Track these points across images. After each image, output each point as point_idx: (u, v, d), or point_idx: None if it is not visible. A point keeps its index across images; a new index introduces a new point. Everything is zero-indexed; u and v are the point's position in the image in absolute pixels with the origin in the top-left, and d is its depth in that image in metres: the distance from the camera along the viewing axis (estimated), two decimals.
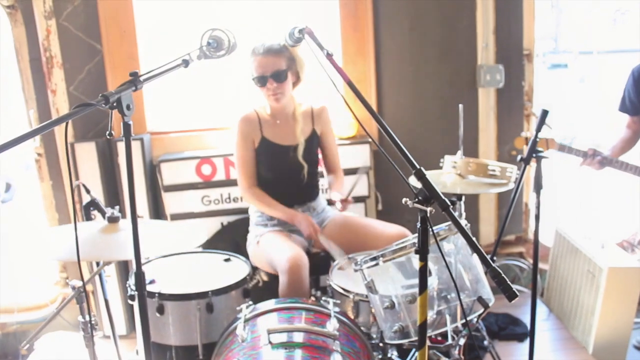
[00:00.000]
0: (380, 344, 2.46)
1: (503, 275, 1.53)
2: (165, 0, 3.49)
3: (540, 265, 3.89)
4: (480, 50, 3.56)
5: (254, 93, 2.86)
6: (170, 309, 2.45)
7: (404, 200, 1.66)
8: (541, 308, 3.64)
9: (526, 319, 3.46)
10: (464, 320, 2.10)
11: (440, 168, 2.81)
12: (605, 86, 10.49)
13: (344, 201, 2.80)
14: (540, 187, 2.41)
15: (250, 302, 2.35)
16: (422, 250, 1.72)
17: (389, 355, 2.51)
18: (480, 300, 2.10)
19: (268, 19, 3.51)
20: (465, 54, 3.58)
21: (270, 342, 2.03)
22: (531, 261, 3.90)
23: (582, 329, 3.28)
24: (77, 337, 3.29)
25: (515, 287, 1.49)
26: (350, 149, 3.44)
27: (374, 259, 2.10)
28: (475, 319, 2.63)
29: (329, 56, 1.98)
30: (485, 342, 2.99)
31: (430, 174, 2.73)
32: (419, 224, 1.70)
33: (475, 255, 2.18)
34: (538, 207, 2.43)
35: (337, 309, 2.30)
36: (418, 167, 1.68)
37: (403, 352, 2.70)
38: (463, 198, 2.69)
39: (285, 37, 2.18)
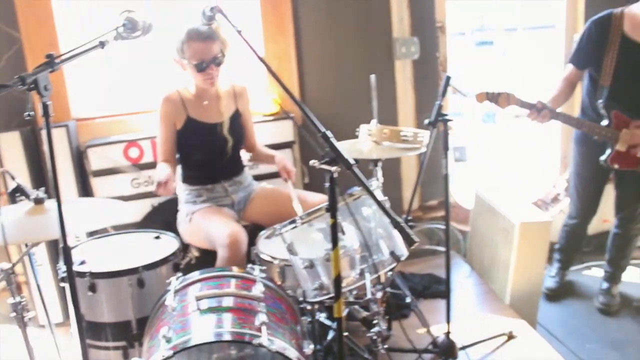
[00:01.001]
0: (308, 307, 2.58)
1: (403, 224, 1.68)
2: None
3: (462, 227, 4.12)
4: (395, 23, 3.70)
5: (177, 74, 2.92)
6: (102, 286, 2.51)
7: (311, 162, 1.79)
8: (464, 266, 3.85)
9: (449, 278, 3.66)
10: (376, 275, 2.24)
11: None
12: (522, 58, 10.92)
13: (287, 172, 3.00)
14: (447, 148, 2.57)
15: (180, 275, 2.44)
16: (332, 208, 1.85)
17: (316, 317, 2.64)
18: (393, 254, 2.25)
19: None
20: (382, 27, 3.71)
21: (198, 308, 2.13)
22: (453, 224, 4.11)
23: (499, 282, 3.50)
24: (12, 329, 3.30)
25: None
26: (273, 125, 3.55)
27: (292, 222, 2.23)
28: (390, 273, 2.77)
29: (239, 33, 2.07)
30: (408, 299, 3.16)
31: (348, 143, 2.90)
32: (326, 184, 1.83)
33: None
34: (446, 167, 2.59)
35: (263, 275, 2.42)
36: (322, 130, 1.80)
37: (332, 315, 2.86)
38: (380, 163, 2.83)
39: (199, 16, 2.26)
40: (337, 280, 1.93)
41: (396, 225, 1.67)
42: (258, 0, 3.60)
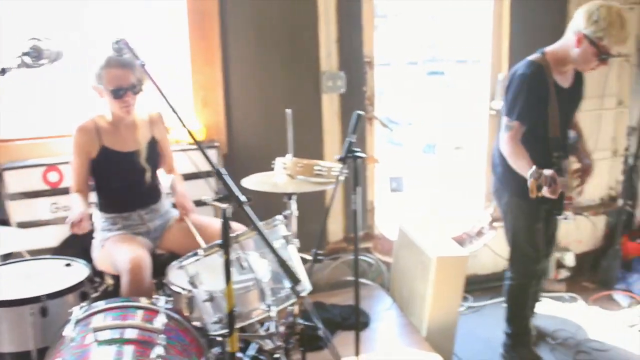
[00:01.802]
0: (219, 338, 2.58)
1: (287, 263, 1.70)
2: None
3: (387, 259, 4.17)
4: (323, 58, 3.77)
5: (95, 101, 2.91)
6: (3, 315, 2.46)
7: (203, 197, 1.80)
8: (386, 299, 3.89)
9: (369, 310, 3.70)
10: (278, 309, 2.26)
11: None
12: (467, 91, 11.14)
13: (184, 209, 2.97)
14: (357, 184, 2.61)
15: (84, 304, 2.41)
16: (224, 244, 1.86)
17: (227, 349, 2.63)
18: (293, 289, 2.27)
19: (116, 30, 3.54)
20: (310, 61, 3.77)
21: (96, 340, 2.11)
22: (378, 256, 4.17)
23: (417, 315, 3.56)
24: None
25: (362, 280, 1.64)
26: (198, 153, 3.52)
27: (194, 254, 2.23)
28: (291, 307, 2.77)
29: (143, 66, 2.08)
30: (320, 332, 3.18)
31: (264, 175, 2.93)
32: (222, 220, 1.85)
33: (291, 247, 2.36)
34: (356, 203, 2.63)
35: (168, 306, 2.41)
36: (217, 168, 1.82)
37: (244, 344, 2.87)
38: (294, 197, 2.86)
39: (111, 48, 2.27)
40: (231, 315, 1.94)
41: (281, 263, 1.69)
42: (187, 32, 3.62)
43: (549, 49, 3.15)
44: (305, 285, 2.36)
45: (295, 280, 1.70)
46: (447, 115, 9.82)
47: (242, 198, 1.76)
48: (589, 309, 4.23)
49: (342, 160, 2.59)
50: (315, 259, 2.61)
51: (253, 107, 3.73)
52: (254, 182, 2.90)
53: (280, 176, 2.85)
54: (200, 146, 1.89)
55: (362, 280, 4.08)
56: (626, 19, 2.94)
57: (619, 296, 4.32)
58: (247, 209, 1.76)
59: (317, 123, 3.83)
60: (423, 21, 11.94)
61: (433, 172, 8.08)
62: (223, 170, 1.81)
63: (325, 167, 2.78)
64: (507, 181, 3.26)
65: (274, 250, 1.72)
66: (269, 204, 3.05)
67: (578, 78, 3.28)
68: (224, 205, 1.78)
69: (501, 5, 4.13)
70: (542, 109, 3.10)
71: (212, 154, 3.58)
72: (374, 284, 4.09)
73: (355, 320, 3.48)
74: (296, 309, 2.85)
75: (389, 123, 10.20)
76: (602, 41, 2.93)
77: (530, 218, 3.31)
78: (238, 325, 2.26)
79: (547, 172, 2.76)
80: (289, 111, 2.84)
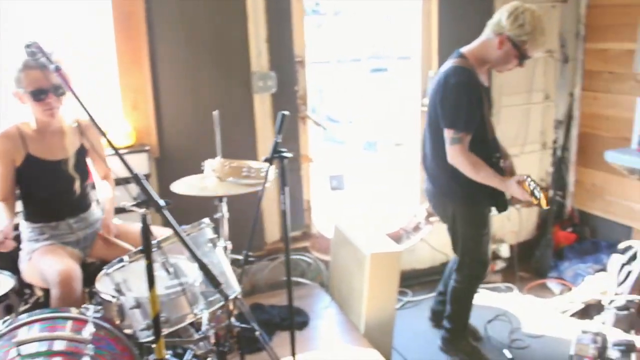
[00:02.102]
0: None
1: (208, 267, 1.69)
2: None
3: (325, 257, 4.19)
4: (254, 58, 3.75)
5: (18, 108, 2.81)
6: None
7: (122, 203, 1.77)
8: (324, 297, 3.90)
9: (308, 309, 3.71)
10: (208, 312, 2.24)
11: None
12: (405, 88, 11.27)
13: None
14: (285, 184, 2.61)
15: (7, 318, 2.34)
16: (146, 250, 1.84)
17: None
18: (221, 292, 2.25)
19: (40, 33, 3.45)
20: (240, 61, 3.74)
21: (20, 354, 2.05)
22: (317, 254, 4.18)
23: (355, 312, 3.58)
24: None
25: (300, 280, 1.64)
26: (128, 158, 3.45)
27: (120, 261, 2.20)
28: (227, 310, 2.76)
29: (58, 70, 2.03)
30: (257, 333, 3.16)
31: (194, 178, 2.90)
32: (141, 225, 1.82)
33: (219, 250, 2.35)
34: (284, 203, 2.63)
35: (97, 315, 2.36)
36: (134, 172, 1.79)
37: (178, 352, 2.83)
38: (225, 199, 2.84)
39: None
40: (156, 321, 1.92)
41: (201, 267, 1.68)
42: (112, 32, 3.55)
43: (466, 50, 3.15)
44: (235, 288, 2.34)
45: (216, 284, 1.69)
46: (387, 112, 9.92)
47: (161, 202, 1.73)
48: (524, 298, 4.34)
49: (268, 160, 2.59)
50: (246, 260, 2.59)
51: (184, 109, 3.68)
52: (184, 185, 2.87)
53: (209, 179, 2.82)
54: (117, 151, 1.85)
55: (300, 279, 4.10)
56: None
57: (552, 284, 4.45)
58: (167, 213, 1.74)
59: (250, 123, 3.81)
60: (365, 18, 12.01)
61: (374, 169, 8.15)
62: (141, 175, 1.78)
63: (254, 168, 2.78)
64: (452, 191, 3.24)
65: (193, 254, 1.71)
66: (203, 207, 3.03)
67: (490, 76, 3.33)
68: (142, 211, 1.75)
69: (429, 3, 4.19)
70: (480, 113, 3.11)
71: (143, 157, 3.52)
72: (313, 283, 4.10)
73: (295, 320, 3.51)
74: (233, 311, 2.84)
75: (330, 121, 10.25)
76: (525, 45, 2.99)
77: (479, 225, 3.33)
78: (166, 331, 2.23)
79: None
80: (215, 113, 2.82)
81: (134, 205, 1.75)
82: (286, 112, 2.55)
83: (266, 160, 2.59)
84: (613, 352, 3.38)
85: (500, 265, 4.72)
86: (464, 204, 3.26)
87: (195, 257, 1.70)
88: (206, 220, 2.49)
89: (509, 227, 4.74)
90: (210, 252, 2.34)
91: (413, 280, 4.45)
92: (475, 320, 3.81)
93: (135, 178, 1.78)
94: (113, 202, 3.05)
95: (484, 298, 4.26)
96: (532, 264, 4.73)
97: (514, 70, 3.21)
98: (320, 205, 4.93)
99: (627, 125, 4.20)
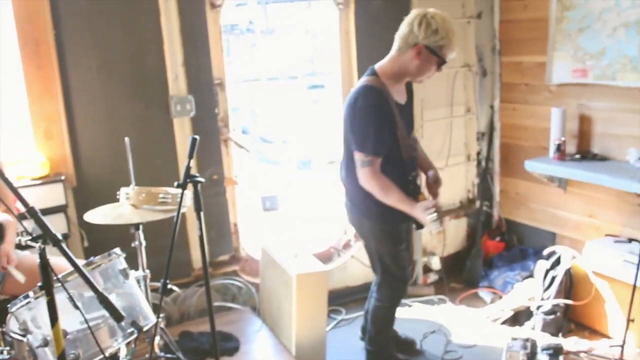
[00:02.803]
0: None
1: (109, 300, 1.62)
2: None
3: (255, 280, 4.13)
4: (171, 81, 3.69)
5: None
6: None
7: (17, 239, 1.69)
8: (255, 320, 3.84)
9: (239, 333, 3.64)
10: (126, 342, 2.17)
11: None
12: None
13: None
14: (199, 209, 2.56)
15: None
16: (45, 285, 1.76)
17: None
18: (134, 324, 2.18)
19: None
20: (157, 86, 3.68)
21: None
22: (247, 278, 4.12)
23: (286, 334, 3.54)
24: None
25: (231, 305, 1.57)
26: (42, 189, 3.36)
27: (26, 297, 2.10)
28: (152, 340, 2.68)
29: None
30: None
31: (109, 207, 2.82)
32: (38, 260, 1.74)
33: (131, 281, 2.28)
34: (200, 229, 2.57)
35: (7, 356, 2.25)
36: (30, 205, 1.72)
37: None
38: (141, 227, 2.77)
39: None
40: (62, 359, 1.83)
41: (101, 300, 1.61)
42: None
43: (379, 67, 3.09)
44: (151, 318, 2.27)
45: (117, 316, 1.62)
46: (322, 130, 9.97)
47: (57, 235, 1.66)
48: (457, 309, 4.38)
49: (181, 186, 2.53)
50: (165, 288, 2.52)
51: (100, 137, 3.59)
52: (99, 215, 2.78)
53: (125, 207, 2.75)
54: (11, 185, 1.77)
55: (231, 304, 4.02)
56: None
57: (483, 293, 4.51)
58: (63, 246, 1.67)
59: (171, 148, 3.73)
60: (296, 37, 12.07)
61: (308, 187, 8.14)
62: (36, 208, 1.71)
63: (171, 194, 2.71)
64: (368, 209, 3.19)
65: (93, 287, 1.64)
66: (124, 237, 2.94)
67: (409, 90, 3.28)
68: (36, 245, 1.67)
69: (347, 21, 4.22)
70: (393, 134, 3.04)
71: (59, 188, 3.40)
72: (244, 307, 4.03)
73: (222, 347, 3.45)
74: (154, 342, 2.76)
75: (263, 142, 10.19)
76: (442, 49, 2.94)
77: (395, 242, 3.31)
78: None
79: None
80: (127, 139, 2.75)
81: (30, 240, 1.67)
82: (196, 136, 2.51)
83: (178, 185, 2.53)
84: (542, 357, 3.44)
85: (432, 277, 4.76)
86: (380, 221, 3.23)
87: (94, 290, 1.63)
88: (117, 250, 2.41)
89: (438, 239, 4.77)
90: (123, 283, 2.26)
91: (347, 298, 4.42)
92: (411, 334, 3.83)
93: (31, 211, 1.70)
94: (14, 228, 2.91)
95: (417, 312, 4.28)
96: (463, 274, 4.79)
97: (435, 85, 3.22)
98: (252, 227, 4.88)
99: (544, 134, 4.31)
